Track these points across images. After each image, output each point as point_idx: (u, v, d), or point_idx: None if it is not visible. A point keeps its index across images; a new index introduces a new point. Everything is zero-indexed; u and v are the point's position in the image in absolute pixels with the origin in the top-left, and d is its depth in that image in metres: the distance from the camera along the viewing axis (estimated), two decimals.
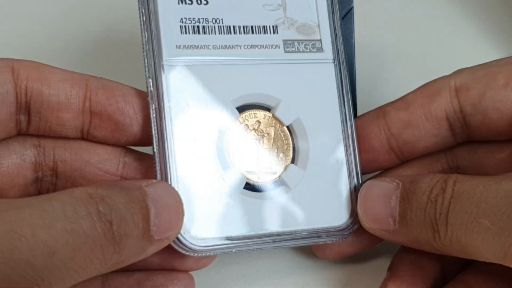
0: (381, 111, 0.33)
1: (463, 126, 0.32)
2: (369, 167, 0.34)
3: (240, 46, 0.32)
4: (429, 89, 0.33)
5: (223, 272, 0.34)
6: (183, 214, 0.29)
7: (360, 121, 0.34)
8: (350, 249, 0.33)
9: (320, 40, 0.34)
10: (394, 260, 0.33)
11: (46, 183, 0.31)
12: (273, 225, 0.31)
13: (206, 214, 0.30)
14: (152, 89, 0.30)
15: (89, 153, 0.30)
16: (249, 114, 0.32)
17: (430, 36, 0.43)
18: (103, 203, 0.25)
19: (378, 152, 0.33)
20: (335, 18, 0.34)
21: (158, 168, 0.30)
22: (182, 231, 0.30)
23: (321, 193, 0.32)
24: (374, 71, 0.41)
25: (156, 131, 0.30)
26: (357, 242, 0.33)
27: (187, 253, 0.30)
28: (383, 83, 0.41)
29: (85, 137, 0.30)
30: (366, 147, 0.33)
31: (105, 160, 0.31)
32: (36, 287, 0.23)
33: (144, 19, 0.31)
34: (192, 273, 0.32)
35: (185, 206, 0.30)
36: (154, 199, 0.27)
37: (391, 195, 0.30)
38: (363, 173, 0.34)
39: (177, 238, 0.29)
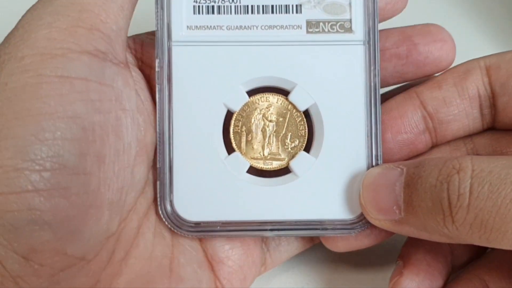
0: (412, 92, 0.32)
1: (491, 107, 0.32)
2: (404, 150, 0.32)
3: (257, 27, 0.31)
4: (460, 69, 0.32)
5: None
6: None
7: (393, 103, 0.32)
8: (367, 241, 0.32)
9: (350, 20, 0.31)
10: (406, 249, 0.32)
11: None
12: (274, 213, 0.31)
13: (204, 196, 0.30)
14: (158, 69, 0.31)
15: None
16: (261, 97, 0.32)
17: None
18: None
19: (415, 132, 0.32)
20: None
21: (160, 149, 0.30)
22: (178, 211, 0.30)
23: (332, 184, 0.31)
24: None
25: (160, 112, 0.30)
26: (374, 234, 0.31)
27: (183, 235, 0.30)
28: None
29: None
30: (404, 127, 0.32)
31: None
32: None
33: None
34: None
35: (184, 187, 0.30)
36: None
37: (395, 182, 0.29)
38: (396, 160, 0.32)
39: (172, 218, 0.30)
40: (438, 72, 0.33)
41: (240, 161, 0.31)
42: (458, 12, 0.42)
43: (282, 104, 0.32)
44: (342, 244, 0.32)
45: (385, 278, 0.31)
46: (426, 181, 0.27)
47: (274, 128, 0.32)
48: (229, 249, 0.31)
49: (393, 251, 0.33)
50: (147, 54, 0.32)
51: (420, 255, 0.31)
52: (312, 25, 0.31)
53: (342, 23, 0.31)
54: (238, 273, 0.31)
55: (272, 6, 0.31)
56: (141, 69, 0.31)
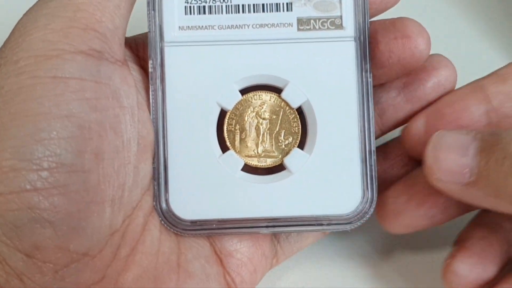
0: (477, 85, 0.32)
1: None
2: None
3: (248, 26, 0.31)
4: None
5: None
6: None
7: (456, 96, 0.32)
8: (426, 222, 0.31)
9: (341, 17, 0.32)
10: (462, 235, 0.32)
11: None
12: (269, 210, 0.31)
13: (200, 195, 0.31)
14: (151, 70, 0.31)
15: None
16: (253, 95, 0.32)
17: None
18: None
19: (476, 127, 0.31)
20: None
21: (156, 148, 0.31)
22: (174, 210, 0.30)
23: (327, 180, 0.31)
24: None
25: (154, 113, 0.31)
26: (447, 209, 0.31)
27: (178, 232, 0.30)
28: None
29: None
30: (466, 121, 0.31)
31: None
32: None
33: (149, 0, 0.31)
34: None
35: (179, 186, 0.30)
36: None
37: (468, 145, 0.29)
38: None
39: (168, 217, 0.30)
40: (410, 71, 0.32)
41: (234, 159, 0.31)
42: (458, 12, 0.42)
43: (275, 101, 0.32)
44: (399, 224, 0.32)
45: (385, 276, 0.31)
46: (508, 147, 0.27)
47: (268, 126, 0.32)
48: (237, 242, 0.32)
49: (394, 249, 0.34)
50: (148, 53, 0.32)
51: (474, 240, 0.31)
52: (303, 23, 0.32)
53: (333, 19, 0.32)
54: (248, 265, 0.32)
55: (263, 5, 0.31)
56: (143, 68, 0.32)
